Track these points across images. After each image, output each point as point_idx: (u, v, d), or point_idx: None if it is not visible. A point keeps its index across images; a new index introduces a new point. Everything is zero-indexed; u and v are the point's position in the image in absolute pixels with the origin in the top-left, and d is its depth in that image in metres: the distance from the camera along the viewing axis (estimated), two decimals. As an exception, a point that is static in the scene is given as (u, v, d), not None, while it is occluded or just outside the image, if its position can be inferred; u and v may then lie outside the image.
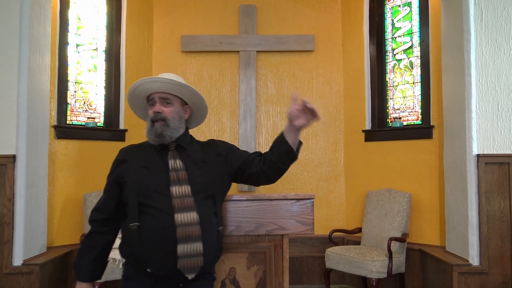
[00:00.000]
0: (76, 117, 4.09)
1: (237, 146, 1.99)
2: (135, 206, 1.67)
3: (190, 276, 1.61)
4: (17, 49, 3.14)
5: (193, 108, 1.90)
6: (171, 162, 1.74)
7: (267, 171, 1.79)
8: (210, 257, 1.66)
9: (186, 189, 1.67)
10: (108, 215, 1.81)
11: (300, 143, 1.77)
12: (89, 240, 1.83)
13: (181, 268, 1.59)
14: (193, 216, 1.62)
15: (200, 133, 4.53)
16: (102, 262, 1.84)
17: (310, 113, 1.69)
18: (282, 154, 1.74)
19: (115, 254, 3.46)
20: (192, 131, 1.99)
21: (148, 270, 1.64)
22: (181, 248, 1.59)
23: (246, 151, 1.91)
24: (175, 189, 1.67)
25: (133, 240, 1.65)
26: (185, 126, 1.87)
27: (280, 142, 1.74)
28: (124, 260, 1.76)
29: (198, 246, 1.61)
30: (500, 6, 3.19)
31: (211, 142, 1.95)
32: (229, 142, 1.98)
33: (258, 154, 1.87)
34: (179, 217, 1.61)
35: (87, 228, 3.66)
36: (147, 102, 1.85)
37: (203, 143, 1.93)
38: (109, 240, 1.84)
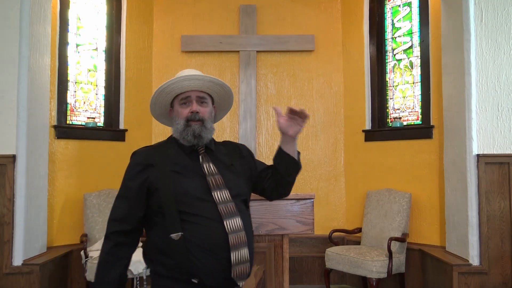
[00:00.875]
0: (76, 117, 4.09)
1: None
2: (176, 214, 1.54)
3: (241, 284, 1.58)
4: (17, 49, 3.14)
5: (217, 108, 1.84)
6: (205, 166, 1.65)
7: (275, 187, 1.78)
8: (252, 260, 1.63)
9: (226, 193, 1.60)
10: (133, 226, 1.62)
11: (298, 153, 1.74)
12: (112, 254, 1.60)
13: (235, 276, 1.54)
14: (238, 221, 1.58)
15: (200, 133, 4.53)
16: (125, 277, 1.66)
17: (298, 116, 1.65)
18: (286, 167, 1.71)
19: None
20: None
21: (194, 280, 1.53)
22: (235, 256, 1.53)
23: (263, 163, 1.87)
24: (217, 194, 1.58)
25: (176, 251, 1.52)
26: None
27: (281, 156, 1.70)
28: (148, 272, 1.63)
29: (246, 252, 1.57)
30: (500, 6, 3.19)
31: (230, 143, 1.87)
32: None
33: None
34: (229, 223, 1.55)
35: (87, 228, 3.69)
36: (177, 100, 1.72)
37: (223, 143, 1.86)
38: (132, 252, 1.66)
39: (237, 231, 1.55)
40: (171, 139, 1.75)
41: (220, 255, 1.52)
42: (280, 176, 1.73)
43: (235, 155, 1.78)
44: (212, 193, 1.58)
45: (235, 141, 4.69)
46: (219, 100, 1.81)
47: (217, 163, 1.69)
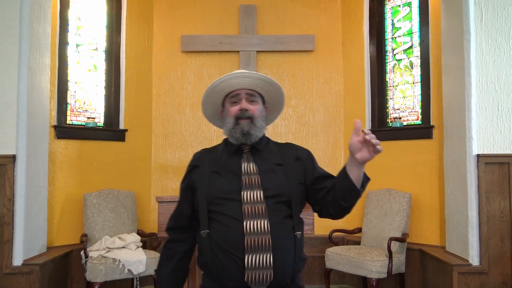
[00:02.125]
0: (76, 117, 4.09)
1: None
2: (205, 212, 1.58)
3: None
4: (17, 49, 3.14)
5: (269, 108, 1.81)
6: (244, 165, 1.62)
7: (327, 206, 1.63)
8: (282, 269, 1.51)
9: (258, 194, 1.55)
10: (185, 223, 1.71)
11: (367, 178, 1.57)
12: (168, 249, 1.74)
13: (248, 280, 1.47)
14: (263, 224, 1.50)
15: (200, 133, 4.53)
16: (183, 270, 1.74)
17: (372, 146, 1.50)
18: (344, 191, 1.54)
19: (115, 254, 3.49)
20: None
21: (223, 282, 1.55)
22: (249, 259, 1.47)
23: (326, 172, 1.71)
24: (246, 194, 1.55)
25: (205, 248, 1.56)
26: (265, 127, 1.76)
27: (342, 177, 1.54)
28: (202, 271, 1.66)
29: (267, 258, 1.47)
30: (500, 6, 3.19)
31: (291, 145, 1.80)
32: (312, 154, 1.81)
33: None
34: (249, 224, 1.50)
35: (87, 228, 3.69)
36: (227, 99, 1.73)
37: (280, 144, 1.80)
38: (187, 248, 1.74)
39: (257, 234, 1.49)
40: (225, 140, 1.77)
41: (235, 256, 1.50)
42: (334, 196, 1.58)
43: (288, 156, 1.70)
44: (242, 193, 1.56)
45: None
46: (270, 99, 1.78)
47: (261, 162, 1.65)
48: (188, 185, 1.70)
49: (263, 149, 1.70)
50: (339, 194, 1.55)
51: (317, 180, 1.66)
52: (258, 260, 1.47)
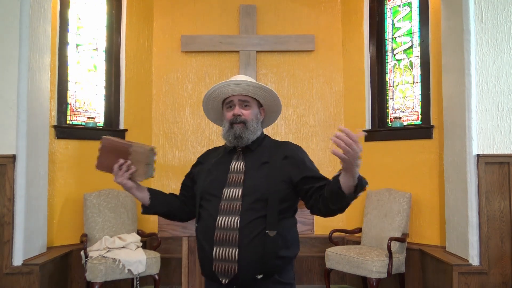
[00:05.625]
0: (76, 117, 4.09)
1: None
2: (197, 207, 1.76)
3: (224, 281, 1.61)
4: (17, 49, 3.14)
5: (266, 110, 1.89)
6: (233, 164, 1.75)
7: (319, 207, 1.63)
8: (247, 264, 1.59)
9: (236, 192, 1.66)
10: (186, 197, 1.90)
11: (361, 186, 1.51)
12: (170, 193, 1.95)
13: (215, 270, 1.61)
14: (234, 220, 1.61)
15: (200, 133, 4.53)
16: (165, 200, 1.88)
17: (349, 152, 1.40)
18: (332, 194, 1.54)
19: (115, 254, 3.49)
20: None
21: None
22: (216, 251, 1.61)
23: (315, 173, 1.73)
24: (227, 192, 1.68)
25: (196, 240, 1.76)
26: (261, 128, 1.86)
27: (334, 181, 1.53)
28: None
29: (233, 252, 1.59)
30: (500, 6, 3.19)
31: (284, 144, 1.84)
32: (305, 152, 1.82)
33: (324, 183, 1.65)
34: (221, 220, 1.63)
35: (87, 228, 3.70)
36: (224, 105, 1.84)
37: (277, 143, 1.85)
38: (177, 206, 1.89)
39: (227, 229, 1.61)
40: None
41: (208, 248, 1.63)
42: (324, 197, 1.59)
43: (277, 155, 1.75)
44: (223, 190, 1.68)
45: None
46: (265, 102, 1.86)
47: (250, 161, 1.75)
48: (191, 175, 1.91)
49: (255, 148, 1.79)
50: (328, 195, 1.57)
51: (304, 180, 1.69)
52: (224, 253, 1.60)
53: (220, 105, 1.87)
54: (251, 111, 1.80)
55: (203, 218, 1.70)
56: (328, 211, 1.61)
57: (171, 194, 1.92)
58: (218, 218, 1.63)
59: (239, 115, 1.76)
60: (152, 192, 1.84)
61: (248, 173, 1.70)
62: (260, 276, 1.61)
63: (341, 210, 1.60)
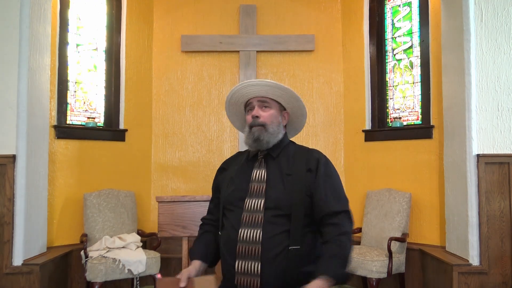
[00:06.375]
0: (76, 117, 4.09)
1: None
2: (221, 216, 1.73)
3: None
4: (17, 49, 3.13)
5: (291, 114, 1.83)
6: (254, 172, 1.69)
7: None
8: (270, 278, 1.55)
9: (259, 203, 1.61)
10: (216, 217, 1.82)
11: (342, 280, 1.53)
12: (200, 230, 1.88)
13: (237, 284, 1.58)
14: (256, 233, 1.57)
15: (200, 133, 4.53)
16: (214, 246, 1.78)
17: None
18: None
19: (115, 254, 3.48)
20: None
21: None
22: (239, 264, 1.57)
23: (331, 201, 1.67)
24: (249, 202, 1.62)
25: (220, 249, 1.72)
26: (284, 132, 1.79)
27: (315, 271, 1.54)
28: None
29: (255, 266, 1.55)
30: (500, 6, 3.19)
31: (310, 152, 1.80)
32: (331, 165, 1.80)
33: (330, 222, 1.63)
34: (243, 232, 1.58)
35: (87, 228, 3.70)
36: (245, 108, 1.81)
37: (302, 150, 1.80)
38: (217, 232, 1.81)
39: (249, 243, 1.56)
40: None
41: (230, 260, 1.59)
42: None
43: (300, 165, 1.70)
44: (245, 200, 1.63)
45: (235, 141, 4.71)
46: (287, 104, 1.79)
47: (272, 170, 1.68)
48: (216, 185, 1.86)
49: (277, 156, 1.72)
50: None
51: (314, 201, 1.65)
52: (247, 267, 1.56)
53: (243, 111, 1.84)
54: (271, 113, 1.74)
55: (225, 228, 1.67)
56: None
57: (208, 236, 1.81)
58: (240, 230, 1.59)
59: (257, 116, 1.72)
60: (204, 256, 1.76)
61: (270, 183, 1.64)
62: None
63: None
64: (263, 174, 1.67)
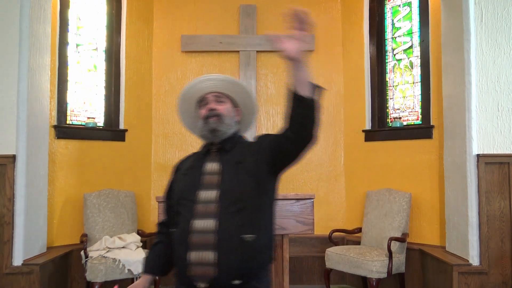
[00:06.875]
0: (76, 117, 4.08)
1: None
2: (172, 212, 1.72)
3: (202, 285, 1.55)
4: (17, 49, 3.13)
5: (243, 111, 1.84)
6: (207, 165, 1.68)
7: (288, 134, 1.52)
8: (225, 267, 1.54)
9: (213, 194, 1.60)
10: (170, 219, 1.81)
11: (315, 86, 1.46)
12: (155, 239, 1.87)
13: (191, 275, 1.56)
14: (210, 223, 1.55)
15: (200, 133, 4.53)
16: (167, 257, 1.76)
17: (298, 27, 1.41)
18: (291, 106, 1.47)
19: (115, 254, 3.48)
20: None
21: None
22: (193, 255, 1.55)
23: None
24: (202, 194, 1.61)
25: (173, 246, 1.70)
26: (236, 127, 1.79)
27: (288, 93, 1.46)
28: None
29: (210, 255, 1.53)
30: (500, 6, 3.19)
31: (256, 139, 1.78)
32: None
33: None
34: (196, 223, 1.57)
35: (87, 228, 3.70)
36: (199, 104, 1.80)
37: (252, 143, 1.78)
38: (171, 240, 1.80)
39: (203, 233, 1.55)
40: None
41: (183, 253, 1.58)
42: (287, 119, 1.51)
43: (247, 152, 1.71)
44: (198, 192, 1.62)
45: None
46: (240, 100, 1.81)
47: (226, 162, 1.68)
48: (170, 185, 1.84)
49: (230, 149, 1.73)
50: (288, 113, 1.48)
51: (270, 143, 1.63)
52: (200, 257, 1.54)
53: (194, 108, 1.83)
54: (226, 107, 1.76)
55: (179, 223, 1.64)
56: (297, 132, 1.50)
57: (161, 246, 1.80)
58: (193, 221, 1.57)
59: (214, 109, 1.72)
60: (152, 270, 1.80)
61: (223, 174, 1.64)
62: (237, 282, 1.55)
63: (307, 123, 1.48)
64: (215, 166, 1.67)
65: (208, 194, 1.60)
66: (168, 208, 1.82)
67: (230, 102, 1.78)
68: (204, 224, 1.56)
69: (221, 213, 1.57)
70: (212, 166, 1.68)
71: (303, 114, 1.46)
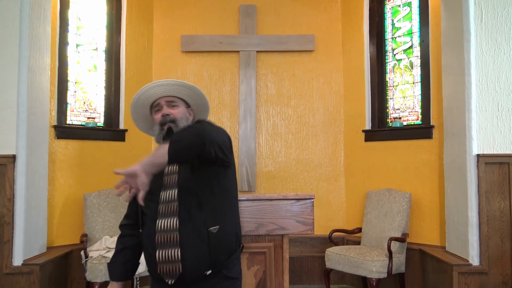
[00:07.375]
0: (76, 117, 4.09)
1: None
2: (139, 215, 1.75)
3: (170, 281, 1.61)
4: (17, 49, 3.14)
5: (195, 110, 1.89)
6: (168, 167, 1.71)
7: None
8: (192, 262, 1.60)
9: (173, 193, 1.66)
10: (134, 221, 1.83)
11: (170, 148, 1.50)
12: (119, 242, 1.88)
13: (160, 273, 1.62)
14: (173, 221, 1.61)
15: (200, 133, 4.53)
16: (132, 262, 1.87)
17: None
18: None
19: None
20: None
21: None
22: (159, 254, 1.61)
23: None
24: (163, 194, 1.67)
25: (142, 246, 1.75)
26: None
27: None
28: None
29: (175, 252, 1.60)
30: (500, 6, 3.19)
31: None
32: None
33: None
34: (160, 222, 1.63)
35: (87, 228, 3.69)
36: (152, 109, 1.83)
37: None
38: (136, 243, 1.83)
39: (168, 231, 1.61)
40: None
41: (152, 252, 1.63)
42: None
43: None
44: (160, 193, 1.67)
45: (235, 141, 4.69)
46: (192, 101, 1.85)
47: (184, 162, 1.71)
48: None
49: None
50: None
51: None
52: (167, 255, 1.60)
53: (149, 112, 1.86)
54: (180, 110, 1.79)
55: (145, 223, 1.71)
56: (193, 155, 1.57)
57: (127, 251, 1.84)
58: (158, 221, 1.63)
59: (168, 114, 1.75)
60: (122, 277, 1.84)
61: (180, 173, 1.69)
62: (209, 272, 1.62)
63: (190, 150, 1.55)
64: (175, 167, 1.71)
65: (169, 194, 1.66)
66: (135, 209, 1.83)
67: (183, 104, 1.82)
68: (167, 223, 1.62)
69: (182, 210, 1.63)
70: (172, 167, 1.71)
71: (184, 152, 1.54)
